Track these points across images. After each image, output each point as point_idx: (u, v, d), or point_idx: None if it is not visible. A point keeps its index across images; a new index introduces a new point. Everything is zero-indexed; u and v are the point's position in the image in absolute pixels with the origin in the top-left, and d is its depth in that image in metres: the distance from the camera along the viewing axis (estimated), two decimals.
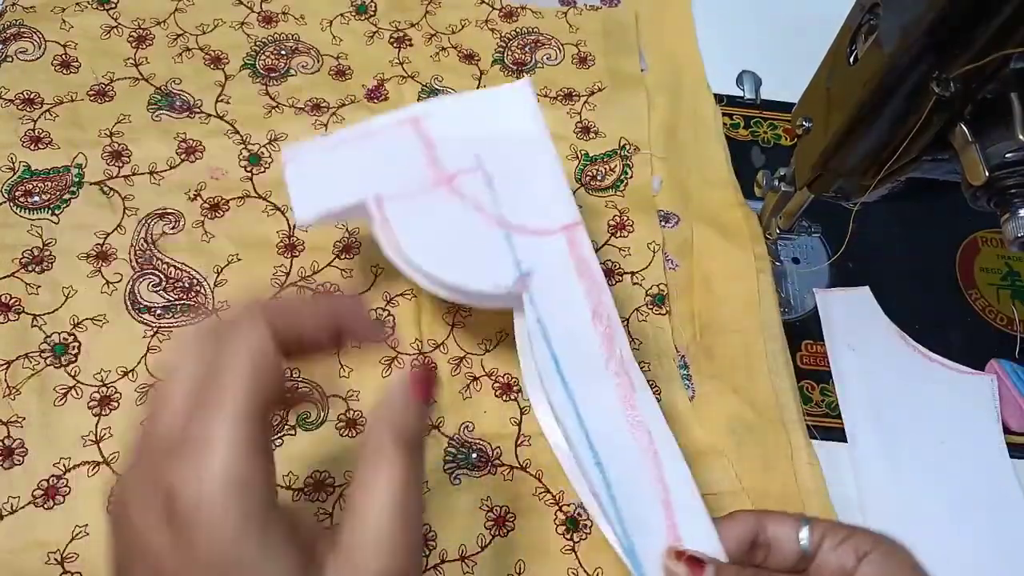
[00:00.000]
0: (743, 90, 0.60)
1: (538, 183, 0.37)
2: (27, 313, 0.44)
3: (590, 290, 0.36)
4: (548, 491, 0.43)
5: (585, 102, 0.56)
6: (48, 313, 0.44)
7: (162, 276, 0.46)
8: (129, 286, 0.45)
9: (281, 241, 0.48)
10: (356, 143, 0.38)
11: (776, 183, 0.49)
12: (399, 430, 0.26)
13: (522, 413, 0.45)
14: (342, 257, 0.48)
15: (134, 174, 0.49)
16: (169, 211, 0.48)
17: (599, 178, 0.54)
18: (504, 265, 0.35)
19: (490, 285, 0.35)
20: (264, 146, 0.51)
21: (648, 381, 0.47)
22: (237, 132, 0.51)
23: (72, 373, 0.43)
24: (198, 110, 0.52)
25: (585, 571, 0.41)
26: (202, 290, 0.46)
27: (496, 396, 0.45)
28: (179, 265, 0.46)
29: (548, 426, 0.38)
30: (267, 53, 0.55)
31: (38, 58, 0.52)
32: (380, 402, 0.27)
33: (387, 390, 0.27)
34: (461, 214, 0.36)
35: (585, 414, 0.34)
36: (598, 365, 0.34)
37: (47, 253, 0.45)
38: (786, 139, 0.58)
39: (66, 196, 0.47)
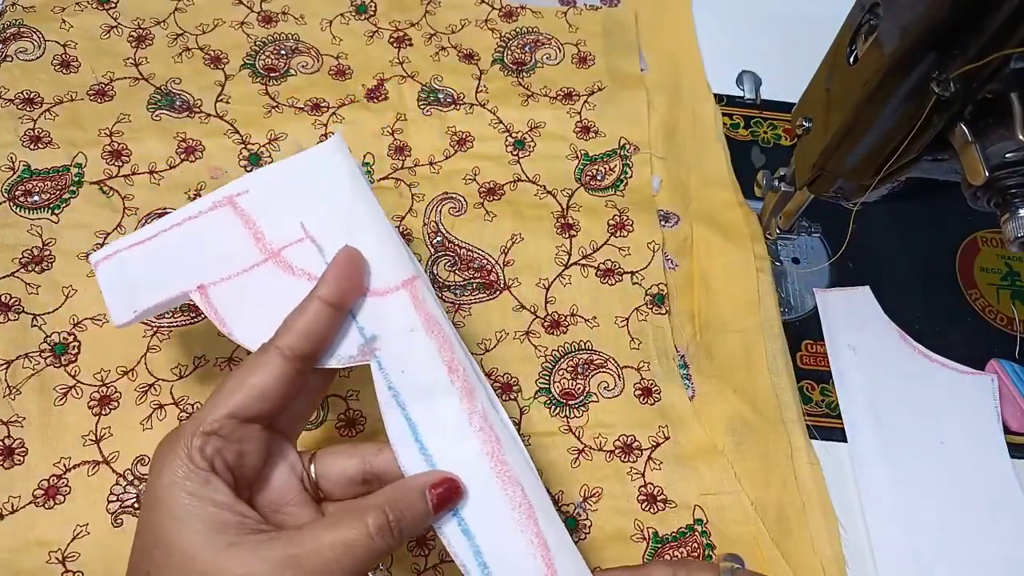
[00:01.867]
0: (743, 90, 0.60)
1: (370, 241, 0.34)
2: (27, 313, 0.44)
3: (442, 346, 0.33)
4: (547, 491, 0.43)
5: (585, 102, 0.56)
6: (48, 313, 0.44)
7: None
8: None
9: None
10: (173, 232, 0.35)
11: (776, 183, 0.49)
12: (396, 520, 0.29)
13: (522, 413, 0.45)
14: None
15: (134, 173, 0.49)
16: (169, 210, 0.48)
17: (599, 178, 0.54)
18: (346, 334, 0.33)
19: (333, 359, 0.33)
20: (264, 146, 0.51)
21: (648, 381, 0.47)
22: (237, 132, 0.51)
23: (72, 373, 0.43)
24: (198, 110, 0.52)
25: None
26: None
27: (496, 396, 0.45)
28: None
29: None
30: (267, 53, 0.55)
31: (38, 58, 0.52)
32: (401, 487, 0.31)
33: (412, 483, 0.31)
34: (293, 288, 0.33)
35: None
36: (461, 423, 0.32)
37: (47, 253, 0.45)
38: (786, 139, 0.58)
39: (66, 196, 0.47)
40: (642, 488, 0.44)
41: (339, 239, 0.34)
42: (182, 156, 0.50)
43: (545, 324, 0.48)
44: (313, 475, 0.33)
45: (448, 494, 0.31)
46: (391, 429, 0.32)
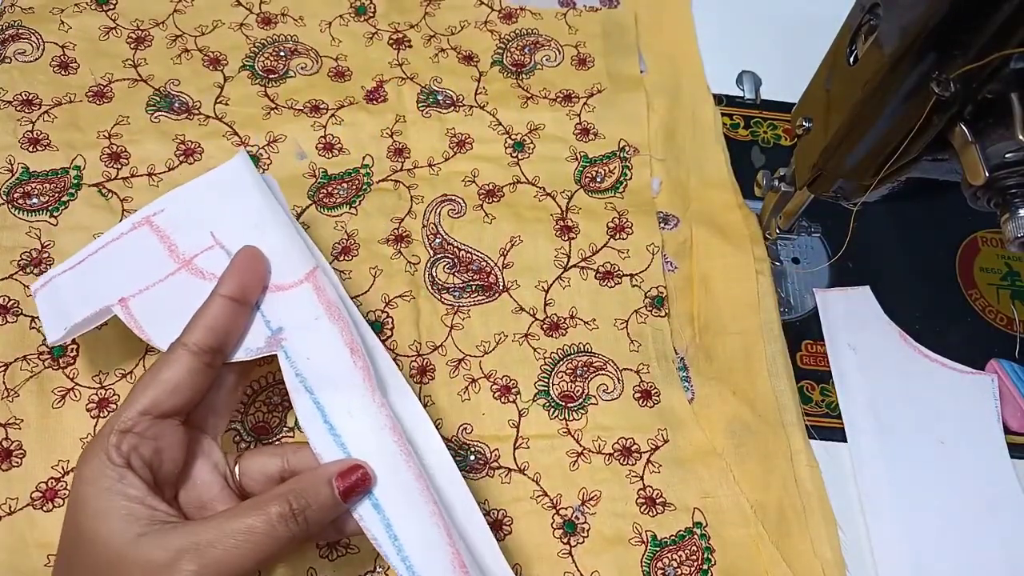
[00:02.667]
0: (743, 90, 0.60)
1: (275, 240, 0.37)
2: (25, 315, 0.44)
3: (343, 330, 0.36)
4: (546, 494, 0.43)
5: (584, 104, 0.56)
6: None
7: None
8: None
9: None
10: (98, 255, 0.38)
11: (776, 183, 0.49)
12: (300, 508, 0.31)
13: (520, 415, 0.45)
14: (341, 259, 0.48)
15: (133, 176, 0.49)
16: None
17: (598, 180, 0.54)
18: (252, 328, 0.36)
19: (241, 351, 0.35)
20: (263, 147, 0.51)
21: (647, 383, 0.47)
22: (236, 134, 0.51)
23: (70, 375, 0.42)
24: (197, 111, 0.52)
25: (582, 574, 0.41)
26: None
27: (494, 398, 0.45)
28: None
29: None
30: (266, 54, 0.55)
31: (36, 59, 0.52)
32: (308, 476, 0.32)
33: (319, 472, 0.32)
34: (206, 292, 0.35)
35: (357, 455, 0.34)
36: (365, 402, 0.34)
37: (45, 255, 0.45)
38: (786, 139, 0.58)
39: (64, 198, 0.47)
40: (641, 491, 0.44)
41: (245, 242, 0.37)
42: (181, 158, 0.50)
43: (544, 326, 0.48)
44: (237, 475, 0.35)
45: (357, 483, 0.32)
46: (301, 414, 0.34)
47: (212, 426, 0.36)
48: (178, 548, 0.29)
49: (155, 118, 0.51)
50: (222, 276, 0.35)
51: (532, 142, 0.54)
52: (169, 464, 0.33)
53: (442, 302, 0.48)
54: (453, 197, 0.51)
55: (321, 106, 0.53)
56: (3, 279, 0.44)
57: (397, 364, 0.39)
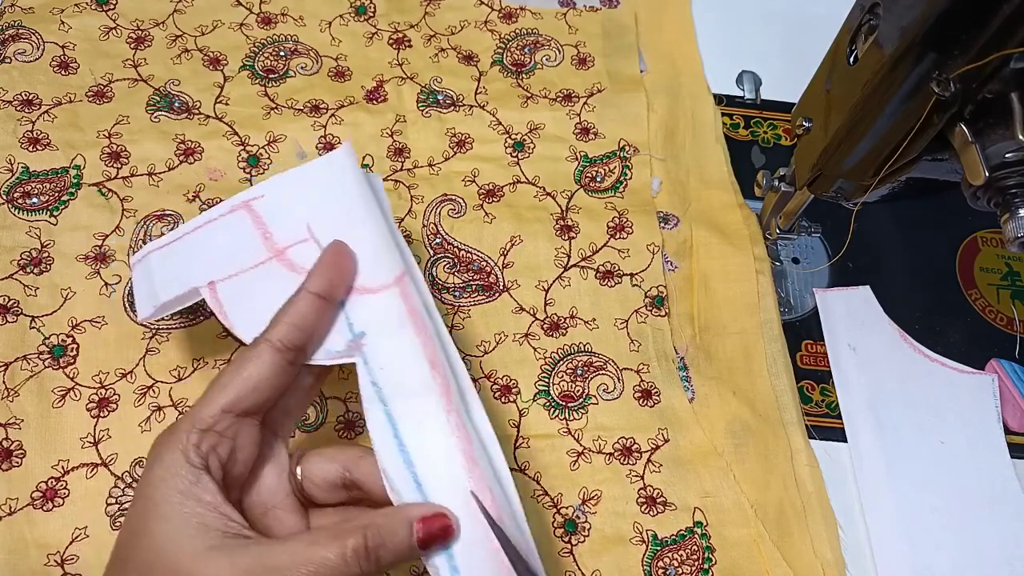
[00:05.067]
0: (743, 90, 0.60)
1: (367, 240, 0.35)
2: (25, 315, 0.44)
3: (426, 343, 0.33)
4: (547, 493, 0.43)
5: (584, 103, 0.56)
6: (46, 315, 0.44)
7: None
8: (128, 288, 0.45)
9: None
10: (194, 234, 0.37)
11: (776, 183, 0.49)
12: (375, 546, 0.29)
13: (521, 415, 0.45)
14: None
15: (132, 175, 0.49)
16: (168, 212, 0.48)
17: (598, 179, 0.54)
18: (334, 329, 0.34)
19: (321, 353, 0.33)
20: (263, 147, 0.51)
21: (648, 383, 0.47)
22: (236, 133, 0.51)
23: (70, 375, 0.42)
24: (197, 111, 0.52)
25: (582, 573, 0.41)
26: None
27: (495, 398, 0.45)
28: None
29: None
30: (266, 54, 0.55)
31: (37, 59, 0.52)
32: (388, 513, 0.30)
33: (401, 512, 0.30)
34: (294, 285, 0.34)
35: (424, 479, 0.32)
36: (439, 421, 0.32)
37: (45, 255, 0.45)
38: (786, 139, 0.58)
39: (64, 197, 0.47)
40: (641, 491, 0.44)
41: (338, 238, 0.35)
42: (181, 158, 0.50)
43: (544, 326, 0.48)
44: (299, 476, 0.33)
45: (438, 533, 0.30)
46: (372, 425, 0.33)
47: (283, 427, 0.34)
48: (247, 568, 0.28)
49: (155, 118, 0.51)
50: (311, 271, 0.33)
51: (532, 142, 0.54)
52: (241, 466, 0.31)
53: (442, 302, 0.48)
54: (453, 197, 0.51)
55: (321, 106, 0.53)
56: (3, 279, 0.44)
57: None
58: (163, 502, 0.29)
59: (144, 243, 0.47)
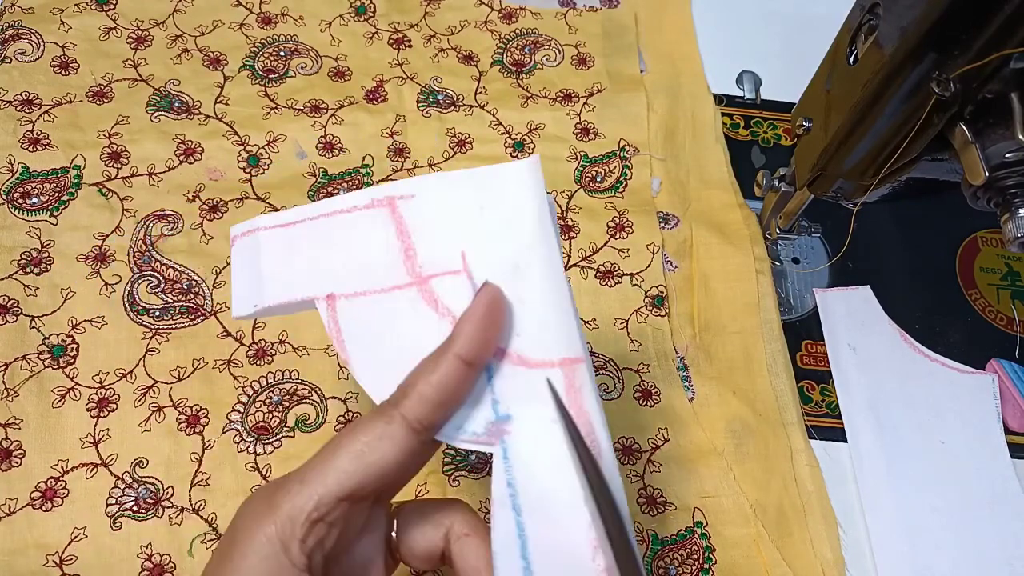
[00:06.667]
0: (743, 90, 0.60)
1: (535, 294, 0.27)
2: (25, 315, 0.44)
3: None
4: None
5: (584, 103, 0.56)
6: (46, 315, 0.44)
7: (161, 278, 0.46)
8: (128, 288, 0.45)
9: None
10: (318, 223, 0.30)
11: (776, 183, 0.49)
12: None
13: None
14: None
15: (133, 175, 0.49)
16: (168, 212, 0.48)
17: (598, 179, 0.54)
18: (476, 403, 0.27)
19: (454, 431, 0.27)
20: (263, 147, 0.51)
21: (648, 383, 0.47)
22: (236, 133, 0.51)
23: (70, 375, 0.42)
24: (197, 111, 0.52)
25: None
26: (200, 292, 0.46)
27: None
28: (178, 267, 0.46)
29: None
30: (266, 54, 0.55)
31: (37, 59, 0.52)
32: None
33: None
34: (432, 327, 0.28)
35: None
36: (582, 557, 0.25)
37: (45, 255, 0.45)
38: (786, 139, 0.58)
39: (64, 197, 0.47)
40: (642, 490, 0.44)
41: (504, 286, 0.27)
42: (181, 158, 0.50)
43: None
44: (394, 536, 0.28)
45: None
46: (497, 533, 0.26)
47: (390, 496, 0.28)
48: None
49: (155, 118, 0.51)
50: (459, 324, 0.26)
51: (532, 142, 0.54)
52: (341, 550, 0.26)
53: None
54: None
55: (321, 106, 0.53)
56: (3, 279, 0.44)
57: None
58: None
59: (144, 243, 0.47)
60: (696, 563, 0.42)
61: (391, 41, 0.57)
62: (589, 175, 0.54)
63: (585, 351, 0.27)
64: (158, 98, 0.52)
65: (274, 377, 0.43)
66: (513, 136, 0.54)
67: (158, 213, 0.48)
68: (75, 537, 0.39)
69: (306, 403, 0.43)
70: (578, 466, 0.26)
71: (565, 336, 0.27)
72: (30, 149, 0.48)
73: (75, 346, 0.43)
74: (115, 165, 0.49)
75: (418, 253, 0.29)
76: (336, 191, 0.50)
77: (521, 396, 0.27)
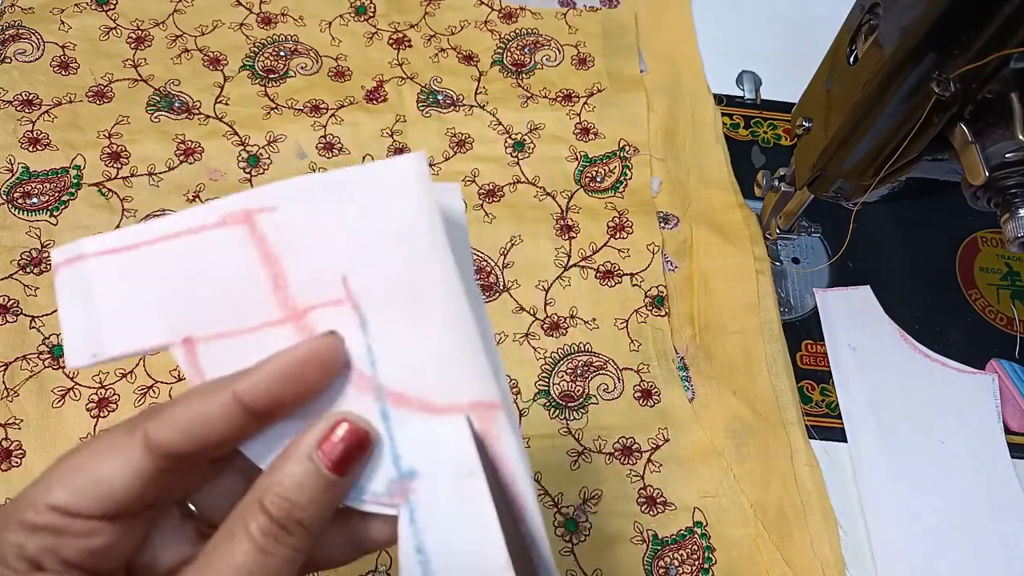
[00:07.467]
0: (743, 90, 0.60)
1: (438, 331, 0.23)
2: (25, 315, 0.44)
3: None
4: (547, 493, 0.43)
5: (584, 103, 0.56)
6: (46, 315, 0.44)
7: None
8: None
9: None
10: (162, 247, 0.24)
11: (776, 183, 0.49)
12: (286, 513, 0.21)
13: (521, 415, 0.45)
14: None
15: (133, 175, 0.49)
16: (168, 212, 0.48)
17: (598, 179, 0.54)
18: (377, 460, 0.23)
19: (355, 492, 0.23)
20: (263, 147, 0.51)
21: (648, 383, 0.47)
22: (236, 133, 0.51)
23: (70, 375, 0.42)
24: (197, 111, 0.52)
25: (583, 572, 0.41)
26: None
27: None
28: None
29: None
30: (266, 54, 0.55)
31: (37, 59, 0.52)
32: (277, 463, 0.22)
33: (298, 450, 0.21)
34: None
35: None
36: None
37: (45, 255, 0.45)
38: (786, 139, 0.58)
39: (64, 197, 0.47)
40: (642, 490, 0.44)
41: (397, 314, 0.23)
42: (181, 158, 0.50)
43: (544, 326, 0.48)
44: (194, 510, 0.25)
45: (349, 449, 0.22)
46: None
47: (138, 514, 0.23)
48: None
49: (155, 118, 0.51)
50: (260, 366, 0.22)
51: (532, 142, 0.54)
52: (117, 560, 0.22)
53: None
54: None
55: (321, 106, 0.53)
56: (3, 279, 0.44)
57: None
58: None
59: None
60: (696, 563, 0.42)
61: (391, 41, 0.57)
62: (589, 175, 0.54)
63: (505, 393, 0.23)
64: (158, 98, 0.52)
65: None
66: (513, 136, 0.54)
67: (158, 213, 0.48)
68: None
69: None
70: (499, 526, 0.22)
71: (477, 376, 0.23)
72: (30, 149, 0.48)
73: None
74: (115, 165, 0.49)
75: (289, 281, 0.23)
76: None
77: (427, 447, 0.23)
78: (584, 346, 0.47)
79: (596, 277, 0.50)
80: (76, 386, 0.42)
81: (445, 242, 0.23)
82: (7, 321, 0.43)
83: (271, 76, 0.54)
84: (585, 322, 0.48)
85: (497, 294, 0.48)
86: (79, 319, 0.24)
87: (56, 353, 0.43)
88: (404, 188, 0.23)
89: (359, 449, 0.22)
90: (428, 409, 0.23)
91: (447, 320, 0.23)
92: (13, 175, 0.47)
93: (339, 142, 0.52)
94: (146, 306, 0.24)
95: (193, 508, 0.25)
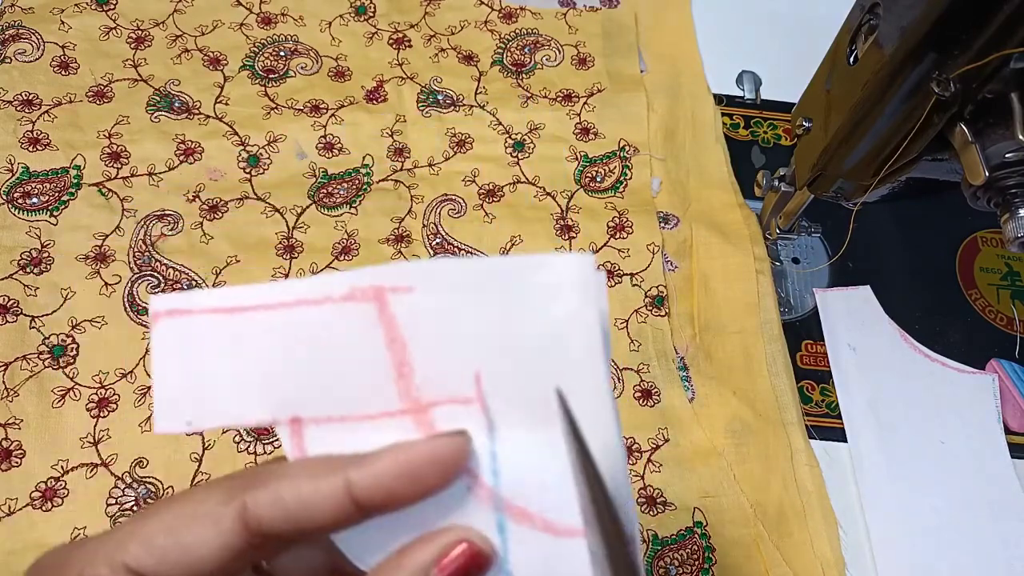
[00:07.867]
0: (743, 90, 0.60)
1: (564, 443, 0.21)
2: (25, 315, 0.44)
3: None
4: None
5: (584, 103, 0.56)
6: (46, 315, 0.44)
7: (161, 278, 0.46)
8: (128, 288, 0.45)
9: (280, 242, 0.48)
10: (277, 313, 0.21)
11: (776, 183, 0.49)
12: None
13: None
14: (341, 259, 0.48)
15: (133, 175, 0.49)
16: (168, 212, 0.48)
17: (598, 179, 0.54)
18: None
19: None
20: (263, 147, 0.51)
21: (648, 383, 0.47)
22: (236, 133, 0.51)
23: (70, 375, 0.42)
24: (197, 111, 0.52)
25: None
26: None
27: None
28: (178, 266, 0.46)
29: None
30: (266, 54, 0.55)
31: (37, 59, 0.52)
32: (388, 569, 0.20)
33: (404, 560, 0.20)
34: None
35: None
36: None
37: (46, 255, 0.45)
38: (786, 139, 0.58)
39: (64, 197, 0.47)
40: (642, 490, 0.44)
41: (525, 423, 0.21)
42: (181, 158, 0.50)
43: None
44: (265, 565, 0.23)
45: (469, 569, 0.20)
46: None
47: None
48: None
49: (155, 118, 0.51)
50: (373, 455, 0.20)
51: (532, 142, 0.54)
52: None
53: None
54: (453, 197, 0.51)
55: (321, 106, 0.53)
56: (3, 279, 0.44)
57: None
58: None
59: (144, 243, 0.47)
60: (696, 563, 0.42)
61: (391, 41, 0.57)
62: (589, 175, 0.54)
63: (630, 520, 0.20)
64: (158, 98, 0.52)
65: None
66: (513, 136, 0.54)
67: (158, 213, 0.48)
68: (75, 537, 0.39)
69: None
70: None
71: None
72: (30, 149, 0.48)
73: (75, 346, 0.43)
74: (115, 165, 0.49)
75: (415, 370, 0.21)
76: (336, 191, 0.50)
77: (543, 569, 0.21)
78: None
79: None
80: (76, 386, 0.42)
81: (601, 356, 0.21)
82: (7, 321, 0.43)
83: (271, 76, 0.54)
84: None
85: None
86: (176, 381, 0.22)
87: (56, 353, 0.43)
88: (562, 288, 0.20)
89: (477, 570, 0.21)
90: (550, 530, 0.21)
91: (580, 420, 0.21)
92: (13, 175, 0.47)
93: (339, 142, 0.52)
94: (254, 376, 0.22)
95: (264, 563, 0.23)
